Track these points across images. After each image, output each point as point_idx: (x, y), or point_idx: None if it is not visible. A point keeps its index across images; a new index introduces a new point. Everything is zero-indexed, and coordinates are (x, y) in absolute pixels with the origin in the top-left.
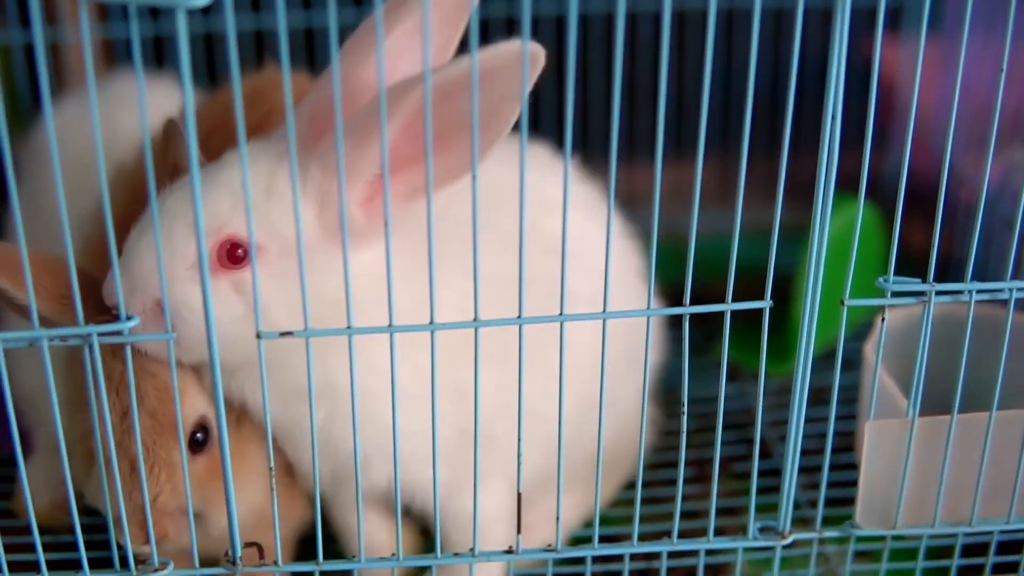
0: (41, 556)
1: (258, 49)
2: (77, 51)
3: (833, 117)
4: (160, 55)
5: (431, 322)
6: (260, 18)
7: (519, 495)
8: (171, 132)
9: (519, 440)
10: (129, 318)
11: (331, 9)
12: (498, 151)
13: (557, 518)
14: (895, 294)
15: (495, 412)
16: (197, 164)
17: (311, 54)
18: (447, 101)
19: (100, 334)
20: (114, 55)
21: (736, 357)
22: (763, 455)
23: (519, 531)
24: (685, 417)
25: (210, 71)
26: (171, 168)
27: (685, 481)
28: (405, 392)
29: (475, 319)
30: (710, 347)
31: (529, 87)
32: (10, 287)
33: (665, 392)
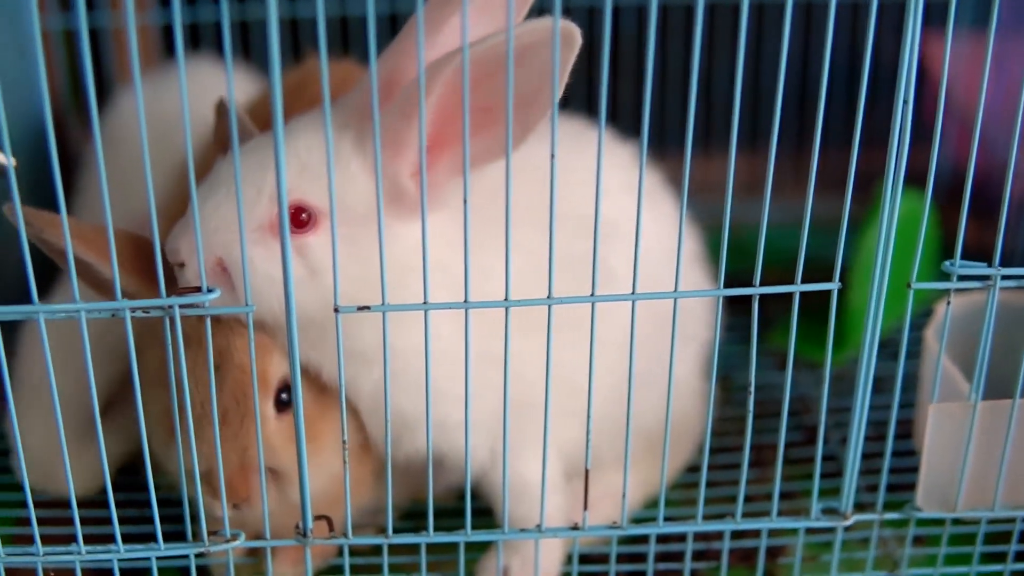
0: (117, 529)
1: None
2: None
3: (905, 102)
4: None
5: (506, 299)
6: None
7: (587, 472)
8: (221, 112)
9: (588, 418)
10: (210, 290)
11: None
12: (559, 133)
13: (624, 495)
14: (961, 278)
15: (536, 385)
16: (281, 130)
17: (345, 41)
18: (489, 76)
19: (181, 305)
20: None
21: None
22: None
23: (586, 508)
24: (752, 398)
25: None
26: (222, 146)
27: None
28: (455, 358)
29: (548, 296)
30: (764, 335)
31: (567, 67)
32: (95, 260)
33: (720, 378)
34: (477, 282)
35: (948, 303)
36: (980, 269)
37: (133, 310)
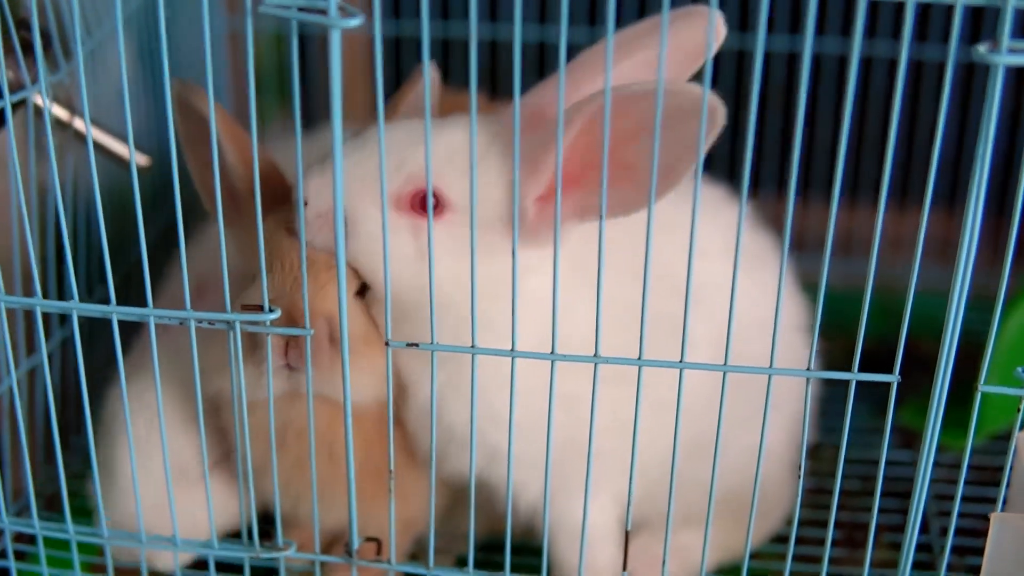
0: (176, 526)
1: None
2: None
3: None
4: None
5: (552, 352)
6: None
7: (627, 533)
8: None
9: (630, 480)
10: (271, 310)
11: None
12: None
13: (664, 561)
14: None
15: (604, 429)
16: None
17: (542, 66)
18: (636, 130)
19: (243, 322)
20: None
21: (918, 424)
22: (922, 529)
23: (625, 567)
24: (802, 479)
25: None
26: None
27: (835, 543)
28: (524, 389)
29: (595, 355)
30: (881, 410)
31: (708, 143)
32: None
33: (831, 447)
34: (561, 323)
35: (1019, 410)
36: None
37: (199, 321)
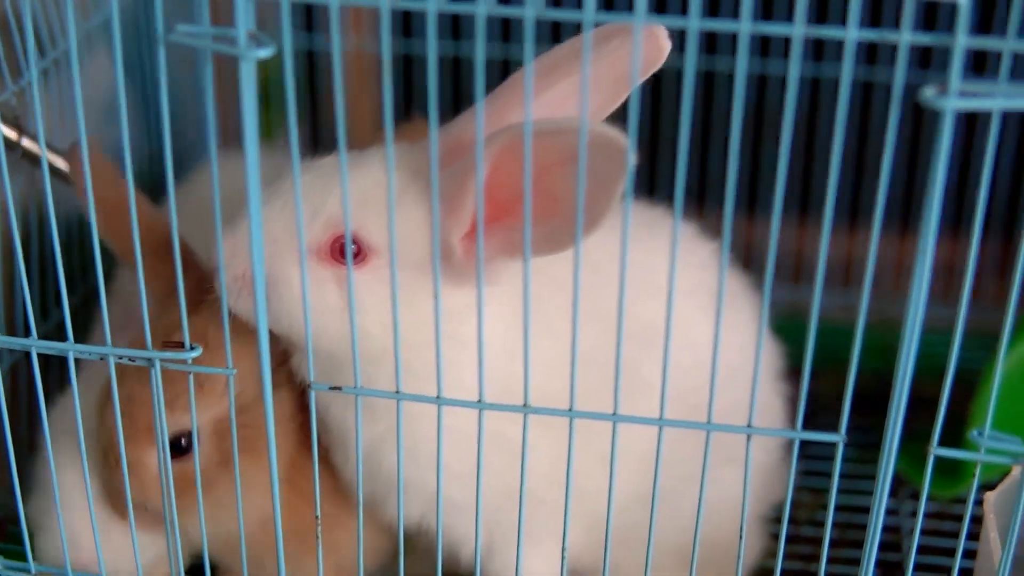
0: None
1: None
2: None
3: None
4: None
5: (479, 400)
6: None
7: None
8: None
9: (564, 535)
10: (192, 347)
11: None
12: (613, 216)
13: None
14: (989, 451)
15: (543, 478)
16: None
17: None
18: (554, 164)
19: (163, 360)
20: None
21: (910, 472)
22: None
23: None
24: (743, 541)
25: None
26: None
27: None
28: (463, 434)
29: (524, 404)
30: (872, 456)
31: (613, 182)
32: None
33: (809, 492)
34: (502, 363)
35: (975, 476)
36: (1011, 444)
37: (119, 357)
